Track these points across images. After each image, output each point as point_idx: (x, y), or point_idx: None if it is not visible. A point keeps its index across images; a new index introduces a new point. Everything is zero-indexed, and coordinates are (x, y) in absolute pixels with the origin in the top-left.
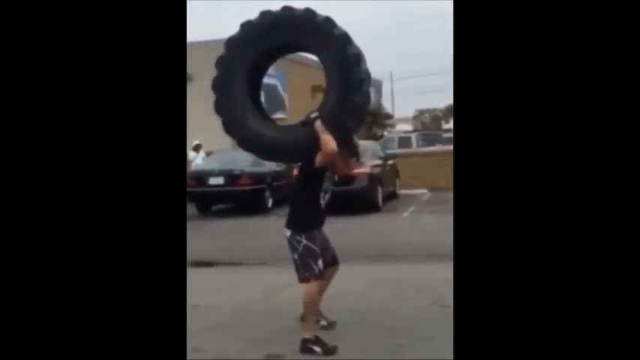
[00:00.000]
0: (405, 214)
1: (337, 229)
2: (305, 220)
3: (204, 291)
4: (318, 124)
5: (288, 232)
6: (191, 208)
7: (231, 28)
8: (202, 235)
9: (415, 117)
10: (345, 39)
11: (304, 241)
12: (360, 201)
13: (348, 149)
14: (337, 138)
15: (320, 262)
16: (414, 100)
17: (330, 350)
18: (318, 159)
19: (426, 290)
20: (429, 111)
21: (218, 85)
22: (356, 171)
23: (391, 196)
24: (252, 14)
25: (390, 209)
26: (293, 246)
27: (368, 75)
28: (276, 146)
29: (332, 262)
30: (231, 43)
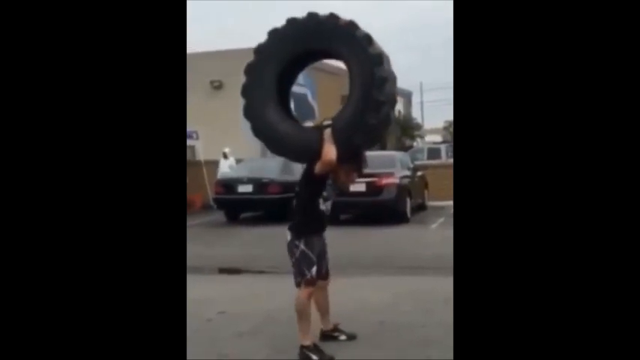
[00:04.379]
0: (434, 226)
1: (365, 240)
2: (303, 225)
3: (232, 298)
4: (327, 132)
5: (288, 236)
6: (220, 215)
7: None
8: (230, 243)
9: (445, 128)
10: (377, 59)
11: (302, 247)
12: (388, 211)
13: (353, 163)
14: (343, 151)
15: (314, 270)
16: (443, 111)
17: (326, 359)
18: (317, 166)
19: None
20: None
21: (250, 71)
22: (384, 181)
23: (420, 208)
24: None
25: (418, 220)
26: (292, 251)
27: (389, 98)
28: (285, 141)
29: (324, 275)
30: (274, 33)
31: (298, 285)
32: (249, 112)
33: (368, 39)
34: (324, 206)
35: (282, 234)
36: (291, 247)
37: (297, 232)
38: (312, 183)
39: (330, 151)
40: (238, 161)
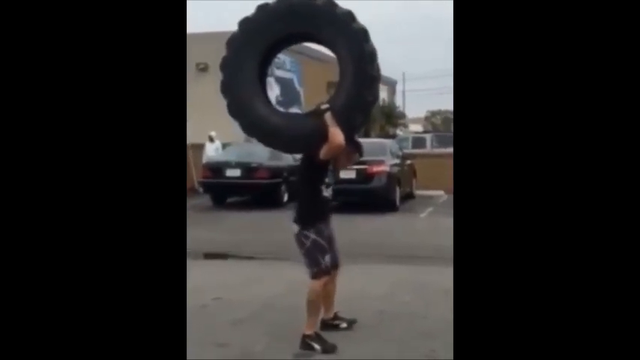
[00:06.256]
0: (423, 215)
1: (356, 228)
2: (310, 214)
3: (222, 284)
4: (328, 116)
5: (296, 228)
6: (206, 199)
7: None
8: (217, 228)
9: (426, 118)
10: (363, 35)
11: (313, 236)
12: (378, 200)
13: (352, 144)
14: (344, 132)
15: (327, 258)
16: (425, 101)
17: (329, 348)
18: (324, 151)
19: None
20: (440, 112)
21: (227, 65)
22: (375, 169)
23: (408, 197)
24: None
25: (407, 209)
26: (301, 242)
27: (378, 73)
28: (280, 134)
29: (334, 265)
30: (245, 23)
31: (314, 276)
32: (233, 110)
33: (350, 16)
34: (327, 192)
35: (269, 219)
36: (300, 238)
37: (305, 222)
38: (315, 170)
39: (337, 134)
40: (224, 145)
